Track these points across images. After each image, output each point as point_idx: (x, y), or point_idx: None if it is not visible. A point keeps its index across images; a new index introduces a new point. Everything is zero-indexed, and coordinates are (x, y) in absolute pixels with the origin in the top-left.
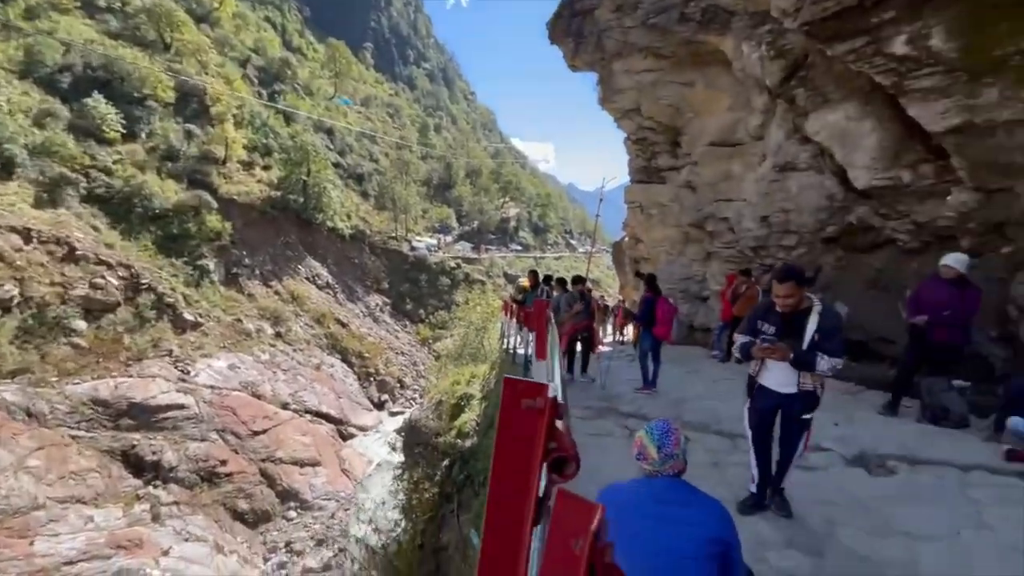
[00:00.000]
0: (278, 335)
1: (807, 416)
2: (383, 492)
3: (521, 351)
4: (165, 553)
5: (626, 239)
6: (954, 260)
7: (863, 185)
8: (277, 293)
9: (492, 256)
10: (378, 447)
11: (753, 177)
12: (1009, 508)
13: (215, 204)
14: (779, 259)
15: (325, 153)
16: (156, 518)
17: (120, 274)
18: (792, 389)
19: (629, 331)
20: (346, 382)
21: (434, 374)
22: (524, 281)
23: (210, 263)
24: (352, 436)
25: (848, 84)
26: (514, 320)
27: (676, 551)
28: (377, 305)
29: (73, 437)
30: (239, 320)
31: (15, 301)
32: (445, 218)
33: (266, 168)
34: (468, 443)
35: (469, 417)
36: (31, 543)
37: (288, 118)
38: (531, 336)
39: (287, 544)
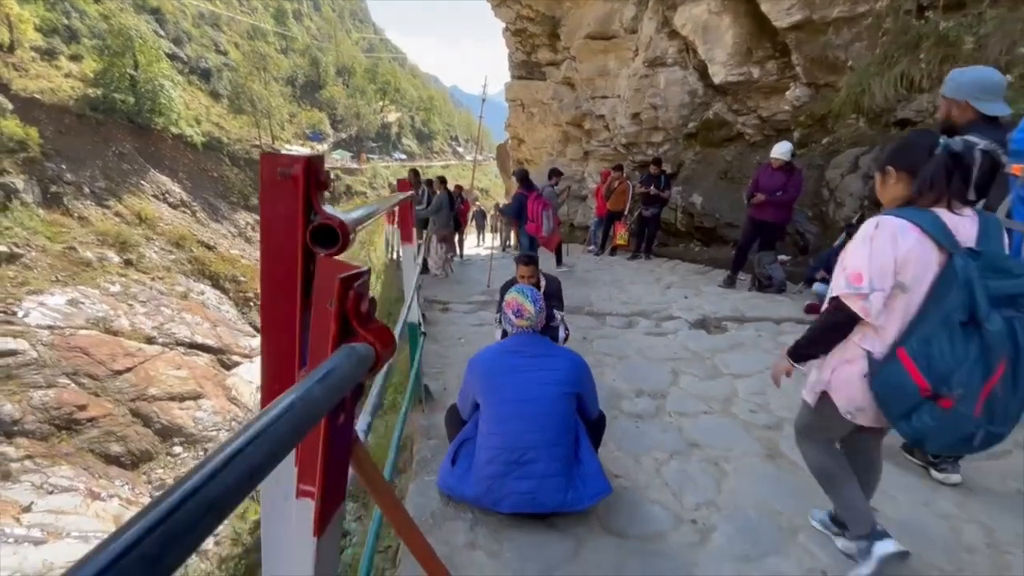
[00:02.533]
0: (128, 263)
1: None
2: None
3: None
4: (27, 509)
5: (509, 140)
6: (783, 149)
7: (720, 80)
8: (118, 215)
9: (374, 165)
10: None
11: (627, 73)
12: None
13: (9, 105)
14: (648, 155)
15: (155, 41)
16: (7, 476)
17: None
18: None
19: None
20: (221, 309)
21: None
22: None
23: (17, 181)
24: (237, 364)
25: None
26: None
27: (541, 388)
28: (248, 223)
29: None
30: (72, 248)
31: None
32: (317, 123)
33: (75, 58)
34: None
35: None
36: None
37: None
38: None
39: (176, 480)
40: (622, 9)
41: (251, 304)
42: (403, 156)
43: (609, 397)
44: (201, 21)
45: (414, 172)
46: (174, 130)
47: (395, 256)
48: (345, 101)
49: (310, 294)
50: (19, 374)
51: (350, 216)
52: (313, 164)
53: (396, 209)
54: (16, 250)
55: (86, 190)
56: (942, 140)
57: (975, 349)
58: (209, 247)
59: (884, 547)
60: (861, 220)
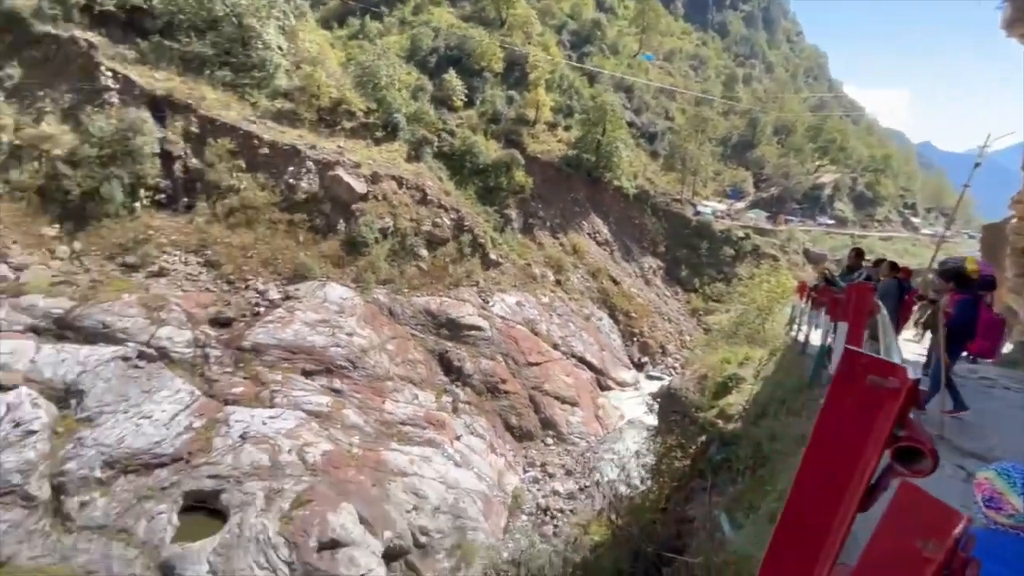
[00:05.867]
0: (558, 283)
1: None
2: (632, 446)
3: (816, 342)
4: (457, 438)
5: (1014, 220)
6: None
7: None
8: (561, 245)
9: (791, 229)
10: (632, 405)
11: None
12: None
13: (522, 161)
14: None
15: (621, 112)
16: (455, 410)
17: (451, 216)
18: None
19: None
20: (610, 337)
21: (701, 347)
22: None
23: (513, 213)
24: (609, 388)
25: None
26: (812, 305)
27: None
28: (651, 268)
29: (412, 335)
30: (529, 265)
31: (389, 230)
32: (740, 182)
33: (567, 128)
34: (731, 426)
35: (736, 400)
36: (383, 402)
37: (592, 79)
38: (837, 326)
39: (542, 465)
40: None
41: (635, 339)
42: (830, 221)
43: None
44: (660, 94)
45: (857, 252)
46: (616, 183)
47: (800, 337)
48: (776, 160)
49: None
50: (478, 344)
51: None
52: (916, 383)
53: (814, 288)
54: (500, 260)
55: (548, 224)
56: None
57: None
58: (616, 282)
59: None
60: None
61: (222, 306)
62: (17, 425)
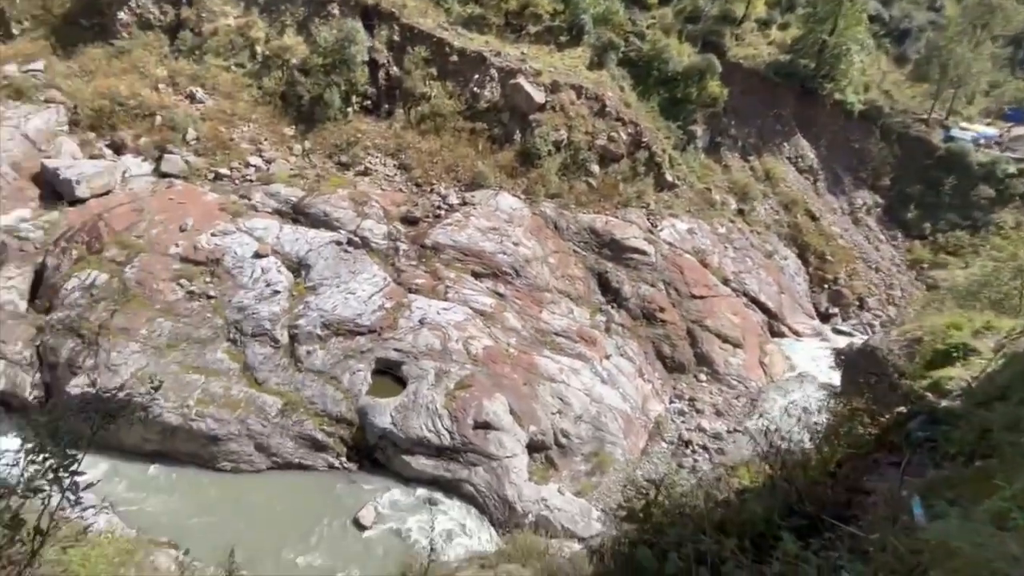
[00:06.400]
0: (740, 212)
1: None
2: (809, 401)
3: None
4: (607, 357)
5: None
6: None
7: None
8: (752, 169)
9: None
10: (806, 357)
11: None
12: None
13: (719, 68)
14: None
15: (864, 3)
16: (607, 330)
17: (629, 131)
18: None
19: None
20: (795, 280)
21: (918, 306)
22: None
23: (698, 129)
24: (782, 335)
25: None
26: None
27: None
28: (864, 205)
29: (574, 251)
30: (709, 189)
31: (563, 143)
32: None
33: (783, 27)
34: (946, 403)
35: (959, 374)
36: (540, 312)
37: None
38: None
39: (691, 399)
40: None
41: (825, 286)
42: None
43: None
44: None
45: None
46: (837, 96)
47: None
48: None
49: None
50: (639, 269)
51: None
52: None
53: None
54: (676, 181)
55: (739, 144)
56: None
57: None
58: (814, 218)
59: None
60: None
61: (411, 206)
62: (268, 285)
